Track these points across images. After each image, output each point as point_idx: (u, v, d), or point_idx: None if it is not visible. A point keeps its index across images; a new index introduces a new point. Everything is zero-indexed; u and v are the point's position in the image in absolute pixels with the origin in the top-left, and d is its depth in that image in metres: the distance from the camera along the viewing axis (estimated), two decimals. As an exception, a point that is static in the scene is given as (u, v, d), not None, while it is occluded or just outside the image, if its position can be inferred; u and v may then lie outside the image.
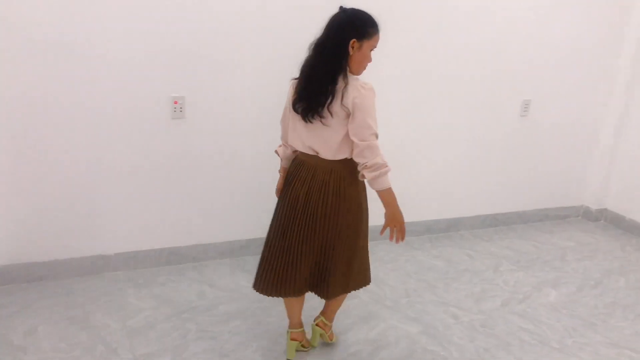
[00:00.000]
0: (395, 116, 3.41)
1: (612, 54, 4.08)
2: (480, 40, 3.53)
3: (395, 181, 2.06)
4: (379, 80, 2.17)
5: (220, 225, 3.17)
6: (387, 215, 2.09)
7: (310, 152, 2.09)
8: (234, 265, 3.18)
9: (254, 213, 3.19)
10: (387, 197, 2.04)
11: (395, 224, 2.08)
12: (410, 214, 3.35)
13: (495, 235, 3.99)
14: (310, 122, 2.01)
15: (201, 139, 2.96)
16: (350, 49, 1.95)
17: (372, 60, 2.02)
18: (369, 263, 2.34)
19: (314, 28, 1.99)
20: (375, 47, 2.02)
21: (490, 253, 3.66)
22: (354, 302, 2.86)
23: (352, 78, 1.98)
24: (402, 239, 2.09)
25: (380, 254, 3.47)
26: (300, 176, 2.12)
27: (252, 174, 3.14)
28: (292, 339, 2.37)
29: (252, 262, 3.18)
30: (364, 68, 2.03)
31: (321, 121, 1.99)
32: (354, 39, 1.94)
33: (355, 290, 2.31)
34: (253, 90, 3.00)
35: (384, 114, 2.23)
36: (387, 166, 1.99)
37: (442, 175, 3.78)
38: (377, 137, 2.00)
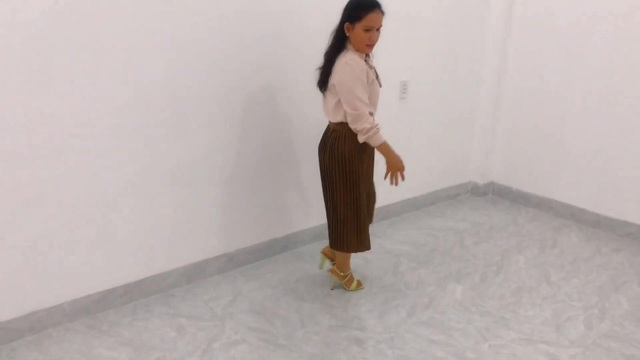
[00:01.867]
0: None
1: (479, 33, 3.93)
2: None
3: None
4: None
5: (59, 283, 2.52)
6: (387, 164, 2.53)
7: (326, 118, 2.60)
8: (88, 327, 2.55)
9: (106, 256, 2.59)
10: (383, 150, 2.49)
11: (394, 170, 2.52)
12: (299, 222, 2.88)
13: (389, 228, 3.69)
14: (323, 93, 2.54)
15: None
16: (346, 31, 2.37)
17: (373, 38, 2.36)
18: (353, 228, 2.63)
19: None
20: (372, 26, 2.33)
21: (387, 252, 3.35)
22: (242, 347, 2.38)
23: (342, 56, 2.39)
24: (403, 178, 2.57)
25: (267, 276, 3.02)
26: (322, 138, 2.66)
27: (84, 212, 2.51)
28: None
29: (112, 318, 2.58)
30: (365, 45, 2.37)
31: (323, 93, 2.54)
32: (347, 22, 2.36)
33: (339, 251, 2.71)
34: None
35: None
36: (374, 128, 2.41)
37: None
38: (364, 104, 2.38)
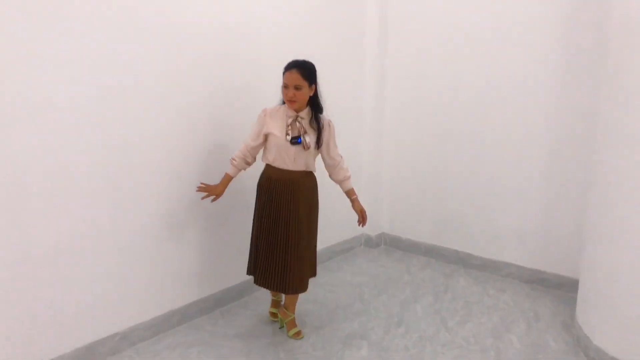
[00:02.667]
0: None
1: (356, 77, 4.17)
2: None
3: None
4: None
5: None
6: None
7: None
8: None
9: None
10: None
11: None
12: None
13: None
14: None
15: None
16: None
17: (288, 95, 2.70)
18: (309, 266, 2.99)
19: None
20: (285, 84, 2.71)
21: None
22: None
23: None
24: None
25: (165, 353, 2.81)
26: (284, 185, 2.88)
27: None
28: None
29: None
30: (285, 100, 2.76)
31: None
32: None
33: (300, 292, 2.95)
34: None
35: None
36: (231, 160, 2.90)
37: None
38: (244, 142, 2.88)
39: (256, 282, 2.94)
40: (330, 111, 3.85)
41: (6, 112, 2.24)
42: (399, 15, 4.16)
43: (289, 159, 2.78)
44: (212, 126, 3.12)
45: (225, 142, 3.19)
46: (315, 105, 2.82)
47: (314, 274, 3.03)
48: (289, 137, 2.73)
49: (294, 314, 3.04)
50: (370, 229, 4.48)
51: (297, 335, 2.98)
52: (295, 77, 2.67)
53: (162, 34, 2.77)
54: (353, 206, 3.05)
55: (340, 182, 2.99)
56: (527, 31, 3.56)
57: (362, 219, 3.03)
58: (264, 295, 3.46)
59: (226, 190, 2.90)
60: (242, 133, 3.05)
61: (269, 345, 2.92)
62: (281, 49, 3.42)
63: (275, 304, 3.17)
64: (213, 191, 2.86)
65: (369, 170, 4.39)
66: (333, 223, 4.15)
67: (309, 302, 3.42)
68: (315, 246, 3.03)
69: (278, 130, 2.75)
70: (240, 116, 3.23)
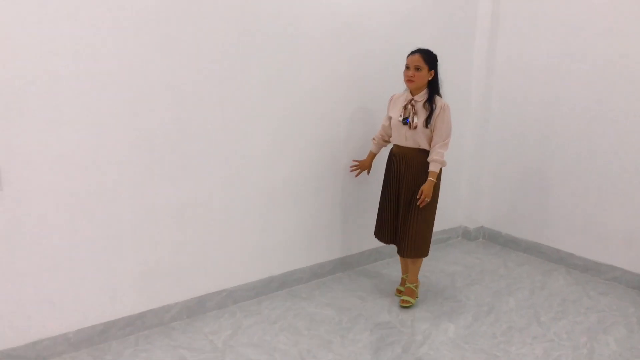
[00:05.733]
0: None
1: (464, 70, 4.18)
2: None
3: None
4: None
5: (67, 312, 2.58)
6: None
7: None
8: (93, 357, 2.60)
9: (111, 289, 2.67)
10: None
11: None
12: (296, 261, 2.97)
13: (383, 270, 3.80)
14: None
15: (25, 215, 2.39)
16: None
17: (408, 74, 3.02)
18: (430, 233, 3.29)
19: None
20: (406, 65, 3.05)
21: (381, 291, 3.44)
22: (241, 379, 2.44)
23: None
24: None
25: (265, 312, 3.09)
26: (405, 160, 3.22)
27: (99, 245, 2.62)
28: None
29: (115, 349, 2.64)
30: (404, 80, 3.08)
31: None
32: None
33: (423, 256, 3.31)
34: (94, 151, 2.51)
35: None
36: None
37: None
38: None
39: (385, 241, 3.35)
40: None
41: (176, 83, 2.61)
42: (512, 9, 4.10)
43: (402, 137, 3.13)
44: (325, 115, 3.34)
45: (339, 131, 3.41)
46: (432, 88, 3.06)
47: (425, 252, 3.23)
48: (401, 118, 3.08)
49: (412, 283, 3.31)
50: (469, 222, 4.48)
51: (404, 302, 3.24)
52: (417, 58, 3.00)
53: (278, 26, 3.03)
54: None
55: (429, 161, 3.08)
56: (652, 24, 3.38)
57: (420, 197, 3.06)
58: (356, 274, 3.65)
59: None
60: (352, 123, 3.43)
61: (359, 316, 3.10)
62: (390, 41, 3.56)
63: (404, 282, 3.44)
64: (362, 165, 3.44)
65: (471, 163, 4.39)
66: (431, 211, 4.21)
67: (399, 283, 3.54)
68: (430, 222, 3.20)
69: (396, 112, 3.14)
70: (353, 108, 3.49)
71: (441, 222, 4.35)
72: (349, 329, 2.96)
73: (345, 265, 3.72)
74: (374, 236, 3.42)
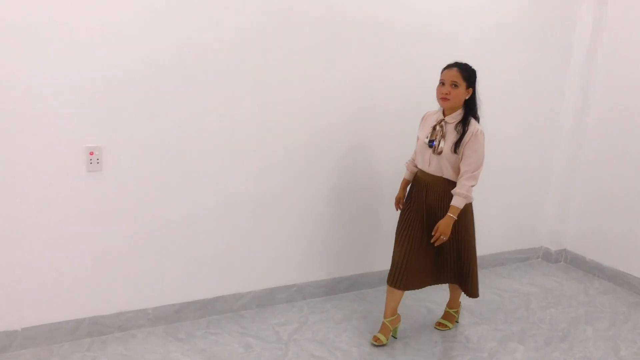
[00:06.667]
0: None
1: (556, 95, 4.02)
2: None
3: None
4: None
5: (149, 289, 2.79)
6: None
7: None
8: (167, 333, 2.79)
9: (189, 272, 2.86)
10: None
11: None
12: (367, 264, 3.07)
13: (454, 283, 3.73)
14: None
15: (120, 195, 2.62)
16: None
17: (443, 91, 2.62)
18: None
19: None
20: (442, 80, 2.65)
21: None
22: (302, 372, 2.52)
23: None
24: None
25: (332, 311, 3.16)
26: (434, 193, 2.79)
27: (182, 231, 2.81)
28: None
29: (188, 329, 2.82)
30: (438, 97, 2.68)
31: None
32: None
33: (475, 296, 2.93)
34: (184, 139, 2.70)
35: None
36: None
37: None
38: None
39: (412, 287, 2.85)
40: (521, 114, 3.87)
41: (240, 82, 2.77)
42: (616, 19, 3.88)
43: (425, 161, 2.75)
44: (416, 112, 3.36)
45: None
46: (469, 109, 2.68)
47: (467, 291, 2.89)
48: (426, 140, 2.72)
49: (453, 309, 3.12)
50: (551, 243, 4.30)
51: (440, 325, 3.08)
52: (454, 74, 2.61)
53: (367, 25, 3.08)
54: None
55: (452, 194, 2.67)
56: None
57: (435, 235, 2.65)
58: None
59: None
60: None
61: (424, 326, 3.08)
62: (483, 49, 3.51)
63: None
64: (397, 200, 2.99)
65: (558, 182, 4.20)
66: (507, 229, 4.10)
67: (470, 299, 3.46)
68: (471, 261, 2.82)
69: (424, 132, 2.77)
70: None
71: (520, 241, 4.22)
72: (413, 337, 2.95)
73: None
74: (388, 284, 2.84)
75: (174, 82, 2.61)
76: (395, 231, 2.87)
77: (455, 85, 2.60)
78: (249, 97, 2.82)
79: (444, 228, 2.61)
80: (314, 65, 2.96)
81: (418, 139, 2.81)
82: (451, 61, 2.69)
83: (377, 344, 2.81)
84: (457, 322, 3.15)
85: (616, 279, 3.94)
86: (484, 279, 3.85)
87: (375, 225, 3.44)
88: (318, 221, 3.21)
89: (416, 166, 2.86)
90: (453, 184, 2.68)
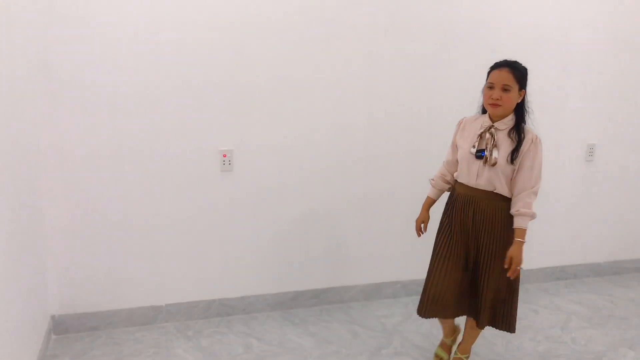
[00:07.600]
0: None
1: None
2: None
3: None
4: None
5: (270, 277, 3.15)
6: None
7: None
8: (284, 317, 3.12)
9: (304, 264, 3.17)
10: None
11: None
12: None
13: (564, 289, 3.70)
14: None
15: (249, 192, 3.00)
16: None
17: (493, 96, 2.26)
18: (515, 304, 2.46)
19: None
20: (490, 83, 2.28)
21: (557, 308, 3.38)
22: (405, 358, 2.71)
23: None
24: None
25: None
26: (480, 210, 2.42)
27: (299, 227, 3.13)
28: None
29: (302, 315, 3.12)
30: (486, 103, 2.32)
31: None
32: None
33: (511, 331, 2.45)
34: (301, 143, 3.04)
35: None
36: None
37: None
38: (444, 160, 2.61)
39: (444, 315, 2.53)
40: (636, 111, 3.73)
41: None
42: None
43: (472, 175, 2.35)
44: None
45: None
46: (520, 114, 2.32)
47: (504, 326, 2.43)
48: (473, 150, 2.33)
49: (464, 354, 2.65)
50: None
51: None
52: (506, 76, 2.24)
53: (477, 34, 3.23)
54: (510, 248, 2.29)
55: (513, 215, 2.30)
56: None
57: (509, 266, 2.27)
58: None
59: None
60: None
61: (528, 327, 3.12)
62: (588, 58, 3.49)
63: (446, 347, 2.72)
64: (417, 222, 2.64)
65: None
66: (625, 237, 3.95)
67: (581, 304, 3.43)
68: (517, 288, 2.41)
69: (467, 141, 2.38)
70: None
71: (637, 250, 4.04)
72: (516, 336, 3.01)
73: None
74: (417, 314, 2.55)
75: (293, 93, 2.96)
76: (431, 253, 2.55)
77: (506, 89, 2.25)
78: (359, 106, 3.10)
79: (518, 257, 2.25)
80: (424, 76, 3.18)
81: (458, 148, 2.44)
82: (500, 59, 2.35)
83: None
84: None
85: None
86: (597, 285, 3.77)
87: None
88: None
89: (448, 182, 2.54)
90: (506, 200, 2.33)
